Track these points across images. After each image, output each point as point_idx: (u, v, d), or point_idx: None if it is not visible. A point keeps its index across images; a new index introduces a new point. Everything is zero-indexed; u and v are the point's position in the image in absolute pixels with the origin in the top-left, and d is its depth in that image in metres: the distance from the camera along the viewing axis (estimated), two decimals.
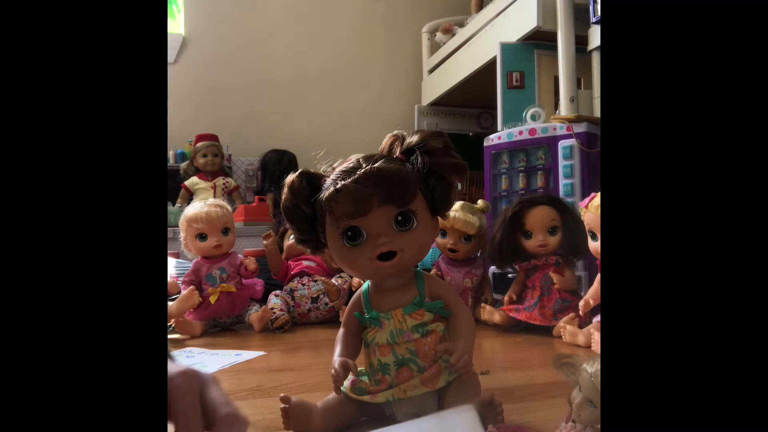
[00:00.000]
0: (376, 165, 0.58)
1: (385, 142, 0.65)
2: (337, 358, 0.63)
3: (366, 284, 0.68)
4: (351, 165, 0.60)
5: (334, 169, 0.62)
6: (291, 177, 0.63)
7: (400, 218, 0.60)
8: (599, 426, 0.49)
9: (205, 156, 2.34)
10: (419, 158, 0.61)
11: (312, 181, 0.62)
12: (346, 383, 0.64)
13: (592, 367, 0.49)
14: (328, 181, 0.60)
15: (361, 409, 0.65)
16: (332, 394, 0.63)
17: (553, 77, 1.80)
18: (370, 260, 0.60)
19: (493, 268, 1.50)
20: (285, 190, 0.63)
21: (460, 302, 0.67)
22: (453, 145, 0.63)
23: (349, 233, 0.60)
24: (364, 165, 0.59)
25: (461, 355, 0.59)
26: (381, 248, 0.59)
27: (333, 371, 0.61)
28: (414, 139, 0.62)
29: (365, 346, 0.67)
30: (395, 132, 0.64)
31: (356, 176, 0.58)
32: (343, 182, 0.58)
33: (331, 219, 0.60)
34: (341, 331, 0.67)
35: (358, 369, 0.66)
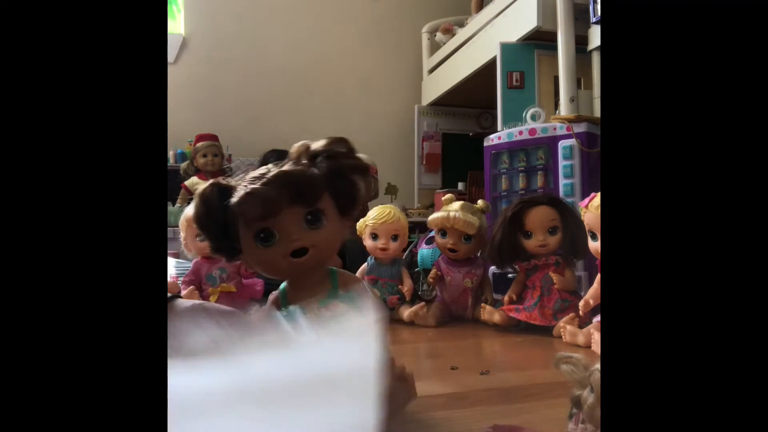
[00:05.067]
0: (283, 168, 0.62)
1: (294, 149, 0.68)
2: None
3: (284, 284, 0.70)
4: (261, 171, 0.63)
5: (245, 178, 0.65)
6: (202, 187, 0.65)
7: (309, 217, 0.63)
8: None
9: (205, 156, 2.34)
10: (324, 162, 0.65)
11: (224, 191, 0.65)
12: None
13: None
14: (239, 187, 0.63)
15: None
16: None
17: (553, 77, 1.80)
18: (284, 257, 0.63)
19: (493, 268, 1.50)
20: (196, 200, 0.65)
21: (368, 294, 0.70)
22: (355, 149, 0.68)
23: (262, 235, 0.62)
24: (272, 170, 0.62)
25: None
26: (293, 245, 0.62)
27: None
28: (319, 144, 0.67)
29: None
30: (303, 141, 0.68)
31: (264, 180, 0.61)
32: (252, 186, 0.61)
33: (243, 222, 0.63)
34: None
35: None
